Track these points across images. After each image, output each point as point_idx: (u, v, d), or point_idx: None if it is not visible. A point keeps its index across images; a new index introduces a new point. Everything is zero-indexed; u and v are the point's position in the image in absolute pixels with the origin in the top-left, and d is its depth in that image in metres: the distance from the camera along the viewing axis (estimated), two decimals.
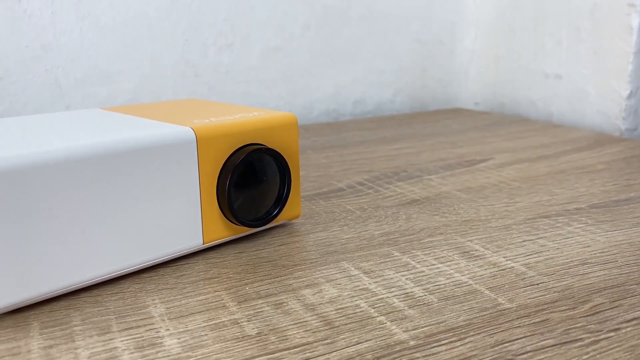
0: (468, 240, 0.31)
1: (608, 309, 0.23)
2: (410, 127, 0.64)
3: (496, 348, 0.21)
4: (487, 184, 0.41)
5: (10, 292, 0.23)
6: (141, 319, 0.23)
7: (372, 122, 0.67)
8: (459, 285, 0.26)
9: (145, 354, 0.20)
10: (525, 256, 0.29)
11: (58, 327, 0.22)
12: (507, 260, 0.28)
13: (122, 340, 0.21)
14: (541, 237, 0.31)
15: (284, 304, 0.24)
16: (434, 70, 0.79)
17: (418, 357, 0.20)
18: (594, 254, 0.29)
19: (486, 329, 0.22)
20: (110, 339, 0.21)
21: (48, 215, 0.23)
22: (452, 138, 0.57)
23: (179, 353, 0.21)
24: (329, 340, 0.21)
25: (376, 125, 0.65)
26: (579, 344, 0.21)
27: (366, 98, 0.75)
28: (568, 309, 0.24)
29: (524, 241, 0.30)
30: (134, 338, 0.22)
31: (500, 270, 0.27)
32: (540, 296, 0.25)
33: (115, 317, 0.23)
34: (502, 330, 0.22)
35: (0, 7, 0.54)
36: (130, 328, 0.22)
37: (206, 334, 0.22)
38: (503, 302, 0.24)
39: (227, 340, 0.21)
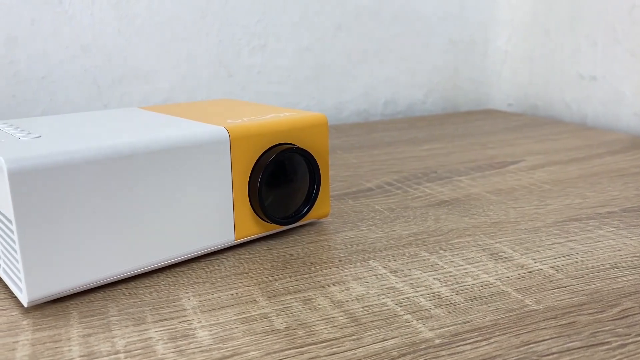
0: (496, 242, 0.31)
1: (637, 313, 0.23)
2: (441, 128, 0.64)
3: (521, 349, 0.21)
4: (517, 186, 0.41)
5: (52, 282, 0.24)
6: (175, 311, 0.24)
7: (403, 123, 0.67)
8: (486, 286, 0.26)
9: (178, 345, 0.21)
10: (554, 259, 0.29)
11: (96, 316, 0.23)
12: (535, 262, 0.28)
13: (156, 331, 0.22)
14: (571, 240, 0.31)
15: (312, 300, 0.25)
16: (467, 70, 0.78)
17: (443, 355, 0.21)
18: (625, 257, 0.29)
19: (512, 330, 0.22)
20: (145, 330, 0.22)
21: (88, 211, 0.24)
22: (483, 139, 0.57)
23: (210, 345, 0.21)
24: (355, 337, 0.22)
25: (407, 126, 0.65)
26: (606, 347, 0.21)
27: (397, 98, 0.75)
28: (596, 312, 0.23)
29: (553, 244, 0.30)
30: (168, 329, 0.22)
31: (528, 272, 0.27)
32: (568, 299, 0.25)
33: (150, 309, 0.24)
34: (528, 332, 0.22)
35: (44, 9, 0.56)
36: (164, 319, 0.23)
37: (236, 327, 0.22)
38: (530, 303, 0.24)
39: (257, 334, 0.22)
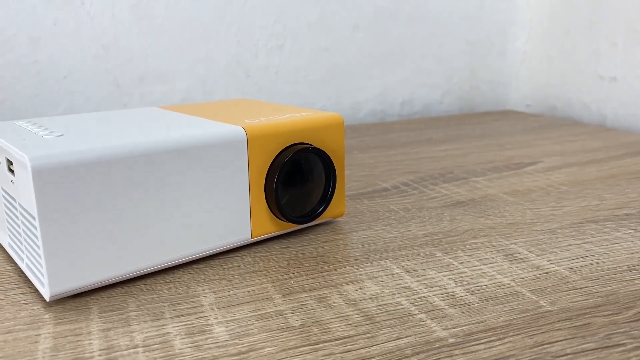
0: (512, 243, 0.31)
1: None
2: (458, 128, 0.64)
3: (535, 349, 0.21)
4: (534, 187, 0.41)
5: (73, 277, 0.24)
6: (192, 307, 0.24)
7: (420, 123, 0.67)
8: (500, 287, 0.26)
9: (196, 340, 0.22)
10: (569, 260, 0.28)
11: (115, 311, 0.24)
12: (550, 263, 0.28)
13: (174, 326, 0.23)
14: (587, 242, 0.31)
15: (327, 298, 0.25)
16: (484, 71, 0.78)
17: (457, 355, 0.21)
18: None
19: (526, 330, 0.22)
20: (163, 325, 0.23)
21: (109, 208, 0.25)
22: (501, 140, 0.57)
23: (227, 340, 0.22)
24: (369, 335, 0.22)
25: (423, 126, 0.65)
26: (621, 348, 0.21)
27: (414, 99, 0.75)
28: (611, 314, 0.23)
29: (569, 245, 0.30)
30: (185, 325, 0.23)
31: (543, 273, 0.27)
32: (583, 300, 0.24)
33: (168, 305, 0.24)
34: (542, 332, 0.22)
35: (67, 9, 0.57)
36: (182, 315, 0.24)
37: (252, 324, 0.23)
38: (544, 304, 0.24)
39: (272, 330, 0.22)
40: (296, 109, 0.34)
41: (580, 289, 0.26)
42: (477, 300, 0.25)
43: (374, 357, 0.21)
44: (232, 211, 0.29)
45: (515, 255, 0.29)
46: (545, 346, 0.21)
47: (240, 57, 0.64)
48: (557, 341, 0.21)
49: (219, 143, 0.28)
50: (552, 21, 0.73)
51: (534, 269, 0.28)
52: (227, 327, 0.23)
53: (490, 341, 0.21)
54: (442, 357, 0.21)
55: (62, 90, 0.58)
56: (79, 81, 0.59)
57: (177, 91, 0.63)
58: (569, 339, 0.22)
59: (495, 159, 0.49)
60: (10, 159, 0.25)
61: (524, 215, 0.35)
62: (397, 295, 0.25)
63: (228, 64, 0.64)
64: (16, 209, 0.26)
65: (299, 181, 0.31)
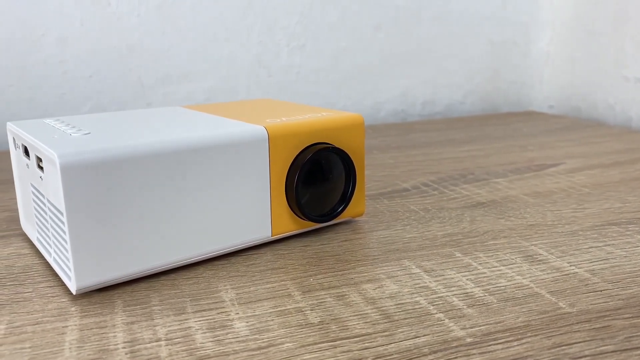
0: (532, 245, 0.31)
1: None
2: (480, 129, 0.64)
3: (553, 350, 0.21)
4: (556, 189, 0.41)
5: (98, 272, 0.25)
6: (213, 303, 0.25)
7: (441, 124, 0.67)
8: (519, 288, 0.26)
9: (217, 335, 0.22)
10: (590, 262, 0.28)
11: (139, 306, 0.25)
12: (571, 265, 0.28)
13: (195, 321, 0.23)
14: (609, 245, 0.30)
15: (346, 296, 0.25)
16: (507, 72, 0.77)
17: (474, 354, 0.21)
18: None
19: (544, 331, 0.22)
20: (185, 319, 0.23)
21: (134, 205, 0.25)
22: (523, 141, 0.57)
23: (247, 335, 0.22)
24: (387, 333, 0.22)
25: (445, 127, 0.65)
26: None
27: (436, 99, 0.75)
28: (632, 317, 0.23)
29: (590, 247, 0.30)
30: (207, 319, 0.23)
31: (563, 275, 0.27)
32: (603, 302, 0.24)
33: (190, 300, 0.25)
34: (561, 334, 0.22)
35: (93, 10, 0.58)
36: (203, 310, 0.24)
37: (272, 320, 0.23)
38: (564, 306, 0.24)
39: (292, 326, 0.23)
40: (317, 109, 0.34)
41: (601, 291, 0.25)
42: (495, 300, 0.25)
43: (391, 354, 0.21)
44: (253, 209, 0.29)
45: (535, 256, 0.29)
46: (564, 347, 0.21)
47: (262, 57, 0.65)
48: (576, 343, 0.21)
49: (241, 142, 0.28)
50: (576, 21, 0.72)
51: (554, 271, 0.27)
52: (247, 322, 0.23)
53: (508, 341, 0.22)
54: (460, 356, 0.21)
55: (88, 89, 0.60)
56: (104, 80, 0.60)
57: (200, 91, 0.63)
58: (588, 340, 0.22)
59: (517, 160, 0.49)
60: (40, 156, 0.26)
61: (544, 217, 0.35)
62: (415, 295, 0.25)
63: (250, 64, 0.65)
64: (45, 205, 0.27)
65: (319, 180, 0.31)
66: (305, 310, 0.24)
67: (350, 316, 0.24)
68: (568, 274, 0.27)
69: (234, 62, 0.64)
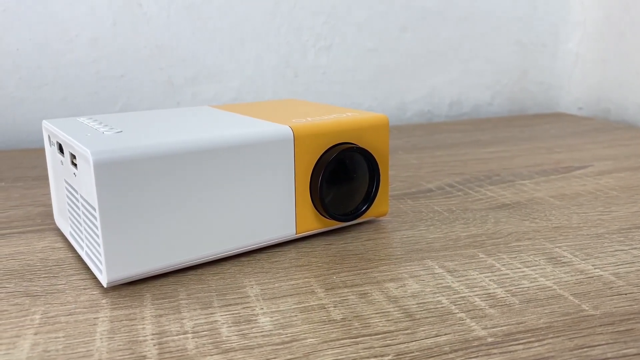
0: (556, 247, 0.31)
1: None
2: (506, 130, 0.63)
3: (575, 352, 0.21)
4: (582, 191, 0.40)
5: (129, 266, 0.26)
6: (239, 298, 0.25)
7: (468, 125, 0.67)
8: (542, 289, 0.26)
9: (242, 329, 0.23)
10: (615, 265, 0.28)
11: (167, 299, 0.25)
12: (595, 268, 0.28)
13: (221, 315, 0.24)
14: (635, 248, 0.30)
15: (368, 295, 0.26)
16: (535, 73, 0.77)
17: (495, 354, 0.21)
18: None
19: (566, 333, 0.22)
20: (212, 313, 0.24)
21: (164, 201, 0.26)
22: (550, 143, 0.56)
23: (271, 330, 0.23)
24: (409, 331, 0.23)
25: (471, 128, 0.65)
26: None
27: (462, 100, 0.74)
28: None
29: (615, 250, 0.30)
30: (232, 314, 0.24)
31: (587, 277, 0.27)
32: (627, 306, 0.24)
33: (216, 295, 0.26)
34: (583, 336, 0.22)
35: (125, 11, 0.59)
36: (229, 305, 0.25)
37: (296, 315, 0.24)
38: (587, 308, 0.24)
39: (315, 323, 0.23)
40: (342, 109, 0.35)
41: (625, 294, 0.25)
42: (517, 301, 0.25)
43: (412, 352, 0.21)
44: (278, 207, 0.30)
45: (559, 258, 0.29)
46: (586, 349, 0.21)
47: (289, 57, 0.66)
48: (598, 345, 0.21)
49: (267, 141, 0.29)
50: (606, 22, 0.71)
51: (578, 273, 0.27)
52: (271, 317, 0.24)
53: (530, 342, 0.22)
54: (480, 356, 0.21)
55: (119, 88, 0.61)
56: (135, 80, 0.61)
57: (228, 91, 0.64)
58: (611, 343, 0.22)
59: (544, 162, 0.49)
60: (74, 154, 0.27)
61: (570, 219, 0.35)
62: (437, 294, 0.26)
63: (277, 64, 0.66)
64: (78, 200, 0.28)
65: (344, 180, 0.31)
66: (328, 307, 0.24)
67: (372, 314, 0.24)
68: (592, 277, 0.27)
69: (261, 63, 0.65)
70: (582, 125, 0.66)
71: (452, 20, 0.71)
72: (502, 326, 0.23)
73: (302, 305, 0.25)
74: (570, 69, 0.77)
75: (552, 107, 0.79)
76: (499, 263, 0.29)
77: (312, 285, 0.26)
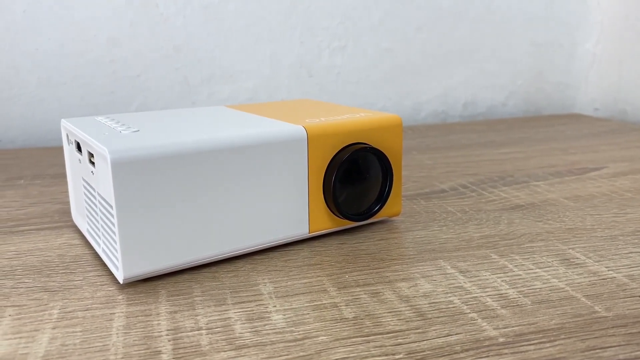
0: (570, 248, 0.31)
1: None
2: (521, 131, 0.63)
3: (587, 353, 0.21)
4: (597, 193, 0.40)
5: (144, 262, 0.26)
6: (252, 295, 0.26)
7: (482, 125, 0.67)
8: (555, 291, 0.26)
9: (255, 326, 0.23)
10: (629, 267, 0.28)
11: (181, 296, 0.26)
12: (609, 270, 0.28)
13: (235, 312, 0.24)
14: None
15: (380, 294, 0.26)
16: (551, 73, 0.76)
17: (506, 354, 0.21)
18: None
19: (578, 334, 0.22)
20: (225, 310, 0.24)
21: (179, 199, 0.26)
22: (565, 144, 0.56)
23: (284, 327, 0.23)
24: (420, 330, 0.23)
25: (486, 128, 0.65)
26: None
27: (477, 100, 0.74)
28: None
29: (630, 252, 0.30)
30: (246, 311, 0.24)
31: (600, 279, 0.27)
32: None
33: (230, 292, 0.26)
34: (595, 337, 0.22)
35: (142, 12, 0.60)
36: (243, 302, 0.25)
37: (308, 313, 0.24)
38: (599, 310, 0.24)
39: (327, 321, 0.23)
40: (356, 110, 0.35)
41: (639, 297, 0.25)
42: (529, 302, 0.25)
43: (423, 351, 0.21)
44: (291, 206, 0.30)
45: (572, 260, 0.29)
46: (597, 351, 0.21)
47: (304, 57, 0.66)
48: (610, 347, 0.21)
49: (281, 141, 0.29)
50: (624, 22, 0.70)
51: (591, 275, 0.27)
52: (284, 315, 0.24)
53: (541, 343, 0.22)
54: (491, 356, 0.21)
55: (136, 88, 0.62)
56: (151, 80, 0.62)
57: (243, 91, 0.65)
58: (623, 345, 0.22)
59: (558, 163, 0.48)
60: (92, 152, 0.28)
61: (584, 221, 0.34)
62: (449, 294, 0.26)
63: (292, 64, 0.66)
64: (95, 198, 0.28)
65: (357, 180, 0.32)
66: (340, 306, 0.25)
67: (384, 313, 0.24)
68: (605, 279, 0.27)
69: (276, 63, 0.65)
70: (598, 126, 0.65)
71: (467, 20, 0.71)
72: (513, 326, 0.23)
73: (315, 303, 0.25)
74: (587, 70, 0.77)
75: (567, 108, 0.78)
76: (511, 264, 0.29)
77: (324, 284, 0.27)
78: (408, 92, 0.71)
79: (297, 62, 0.66)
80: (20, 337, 0.22)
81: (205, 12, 0.62)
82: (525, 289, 0.26)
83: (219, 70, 0.64)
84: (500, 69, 0.74)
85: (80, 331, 0.23)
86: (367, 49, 0.68)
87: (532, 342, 0.22)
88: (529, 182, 0.43)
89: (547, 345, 0.22)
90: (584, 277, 0.27)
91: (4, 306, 0.25)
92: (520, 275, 0.27)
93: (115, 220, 0.25)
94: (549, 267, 0.28)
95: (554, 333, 0.22)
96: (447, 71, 0.72)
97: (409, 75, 0.70)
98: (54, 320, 0.24)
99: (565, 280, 0.27)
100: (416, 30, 0.69)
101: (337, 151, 0.31)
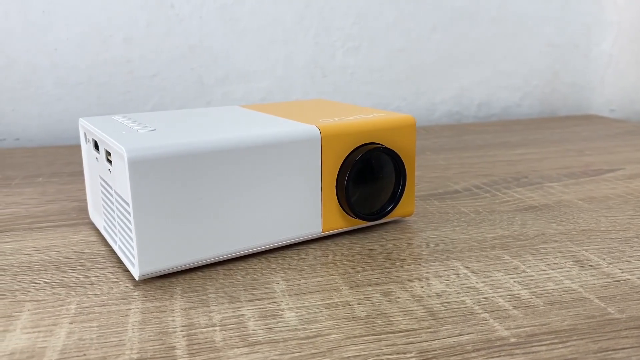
0: (583, 250, 0.30)
1: None
2: (536, 132, 0.63)
3: (599, 354, 0.21)
4: (612, 194, 0.40)
5: (160, 260, 0.27)
6: (265, 293, 0.26)
7: (497, 126, 0.67)
8: (567, 292, 0.26)
9: (268, 323, 0.23)
10: None
11: (196, 293, 0.26)
12: (622, 272, 0.28)
13: (248, 309, 0.24)
14: None
15: (392, 293, 0.26)
16: (567, 74, 0.76)
17: (517, 354, 0.21)
18: None
19: (591, 336, 0.22)
20: (239, 307, 0.25)
21: (195, 198, 0.27)
22: (580, 146, 0.55)
23: (296, 325, 0.23)
24: (432, 329, 0.23)
25: (500, 129, 0.64)
26: None
27: (492, 101, 0.74)
28: None
29: None
30: (259, 308, 0.25)
31: (614, 281, 0.27)
32: None
33: (244, 289, 0.26)
34: (608, 339, 0.22)
35: (158, 12, 0.60)
36: (256, 300, 0.25)
37: (320, 311, 0.24)
38: (612, 312, 0.24)
39: (339, 319, 0.24)
40: (369, 110, 0.35)
41: None
42: (542, 303, 0.25)
43: (435, 350, 0.21)
44: (304, 206, 0.30)
45: (585, 261, 0.29)
46: (610, 352, 0.21)
47: (318, 58, 0.66)
48: (623, 348, 0.21)
49: (295, 141, 0.29)
50: None
51: (605, 277, 0.27)
52: (297, 313, 0.24)
53: (553, 343, 0.22)
54: (503, 356, 0.21)
55: (152, 87, 0.62)
56: (167, 79, 0.63)
57: (257, 90, 0.65)
58: (636, 347, 0.21)
59: (573, 164, 0.48)
60: (109, 151, 0.28)
61: (598, 223, 0.34)
62: (461, 295, 0.26)
63: (306, 64, 0.66)
64: (112, 196, 0.29)
65: (370, 180, 0.32)
66: (353, 304, 0.25)
67: (395, 312, 0.24)
68: (619, 280, 0.27)
69: (290, 63, 0.66)
70: (615, 127, 0.65)
71: (482, 20, 0.70)
72: (525, 327, 0.23)
73: (327, 301, 0.25)
74: (603, 70, 0.76)
75: (583, 109, 0.78)
76: (524, 265, 0.29)
77: (337, 283, 0.27)
78: (422, 93, 0.71)
79: (311, 62, 0.66)
80: (39, 331, 0.23)
81: (221, 12, 0.62)
82: (537, 289, 0.26)
83: (233, 70, 0.64)
84: (515, 70, 0.73)
85: (97, 326, 0.23)
86: (381, 49, 0.68)
87: (544, 342, 0.22)
88: (543, 183, 0.43)
89: (559, 346, 0.22)
90: (598, 279, 0.27)
91: (23, 301, 0.25)
92: (532, 276, 0.27)
93: (131, 218, 0.26)
94: (562, 268, 0.28)
95: (566, 334, 0.22)
96: (461, 71, 0.71)
97: (424, 76, 0.70)
98: (71, 315, 0.24)
99: (579, 281, 0.27)
100: (431, 30, 0.69)
101: (350, 151, 0.31)
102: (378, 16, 0.67)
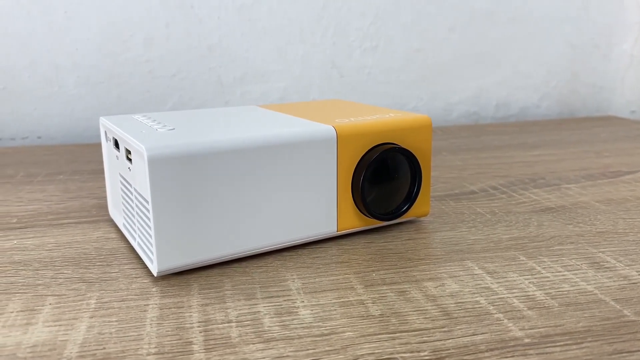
0: (600, 252, 0.30)
1: None
2: (554, 133, 0.62)
3: (614, 356, 0.21)
4: (630, 196, 0.39)
5: (178, 256, 0.27)
6: (281, 290, 0.26)
7: (514, 127, 0.66)
8: (583, 294, 0.26)
9: (283, 320, 0.24)
10: None
11: (213, 289, 0.26)
12: (639, 274, 0.28)
13: (264, 306, 0.25)
14: None
15: (407, 293, 0.26)
16: (586, 75, 0.75)
17: (531, 354, 0.21)
18: None
19: (605, 338, 0.22)
20: (255, 304, 0.25)
21: (212, 196, 0.27)
22: (599, 147, 0.55)
23: (311, 323, 0.23)
24: (446, 329, 0.23)
25: (518, 130, 0.64)
26: None
27: (510, 102, 0.73)
28: None
29: None
30: (274, 305, 0.25)
31: (630, 283, 0.27)
32: None
33: (260, 287, 0.27)
34: (623, 341, 0.22)
35: (178, 13, 0.61)
36: (272, 297, 0.26)
37: (335, 310, 0.25)
38: (628, 314, 0.24)
39: (353, 317, 0.24)
40: (385, 110, 0.35)
41: None
42: (557, 304, 0.25)
43: (448, 349, 0.22)
44: (320, 205, 0.31)
45: (602, 263, 0.29)
46: (625, 355, 0.21)
47: (335, 58, 0.67)
48: (638, 351, 0.21)
49: (311, 141, 0.30)
50: None
51: (621, 279, 0.27)
52: (311, 310, 0.24)
53: (567, 345, 0.22)
54: (516, 356, 0.21)
55: (171, 87, 0.63)
56: (186, 79, 0.63)
57: (275, 90, 0.66)
58: None
59: (591, 166, 0.48)
60: (129, 149, 0.29)
61: (615, 225, 0.34)
62: (476, 295, 0.26)
63: (323, 64, 0.66)
64: (131, 193, 0.29)
65: (385, 179, 0.32)
66: (367, 303, 0.25)
67: (410, 311, 0.24)
68: (636, 283, 0.27)
69: (308, 63, 0.66)
70: (634, 129, 0.64)
71: (501, 20, 0.70)
72: (539, 328, 0.23)
73: (342, 300, 0.25)
74: (624, 71, 0.75)
75: (603, 110, 0.77)
76: (539, 266, 0.29)
77: (351, 282, 0.27)
78: (439, 93, 0.71)
79: (328, 62, 0.66)
80: (60, 325, 0.23)
81: (239, 12, 0.63)
82: (552, 291, 0.26)
83: (251, 70, 0.65)
84: (534, 70, 0.73)
85: (116, 321, 0.24)
86: (398, 50, 0.68)
87: (558, 343, 0.22)
88: (560, 185, 0.43)
89: (574, 347, 0.22)
90: (614, 281, 0.27)
91: (45, 295, 0.26)
92: (548, 277, 0.27)
93: (150, 215, 0.26)
94: (578, 270, 0.28)
95: (581, 335, 0.22)
96: (479, 72, 0.71)
97: (441, 76, 0.70)
98: (91, 310, 0.25)
99: (594, 283, 0.27)
100: (449, 30, 0.69)
101: (366, 151, 0.31)
102: (396, 16, 0.67)
